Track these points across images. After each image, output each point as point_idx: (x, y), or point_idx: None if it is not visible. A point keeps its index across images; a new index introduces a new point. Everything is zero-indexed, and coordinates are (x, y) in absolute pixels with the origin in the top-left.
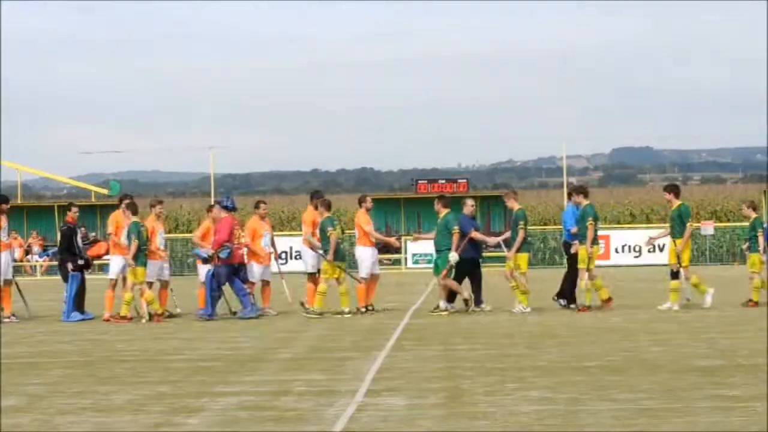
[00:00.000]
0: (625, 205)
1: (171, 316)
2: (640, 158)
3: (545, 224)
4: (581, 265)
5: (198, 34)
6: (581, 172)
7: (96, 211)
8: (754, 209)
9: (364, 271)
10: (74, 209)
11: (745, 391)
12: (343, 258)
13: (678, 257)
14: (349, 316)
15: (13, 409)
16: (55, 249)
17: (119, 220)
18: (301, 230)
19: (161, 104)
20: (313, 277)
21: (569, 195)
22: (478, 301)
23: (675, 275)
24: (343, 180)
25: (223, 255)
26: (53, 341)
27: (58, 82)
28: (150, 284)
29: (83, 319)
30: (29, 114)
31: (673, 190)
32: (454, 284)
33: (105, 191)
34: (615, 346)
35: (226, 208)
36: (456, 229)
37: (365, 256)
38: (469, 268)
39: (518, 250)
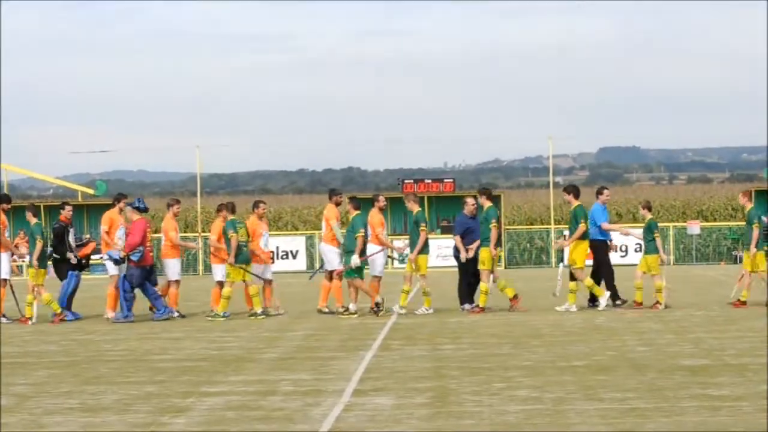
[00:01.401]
0: (611, 205)
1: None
2: (626, 158)
3: (531, 224)
4: (482, 267)
5: (183, 32)
6: (567, 171)
7: (83, 211)
8: (649, 210)
9: (377, 269)
10: (68, 208)
11: (732, 390)
12: (246, 260)
13: (572, 257)
14: (262, 317)
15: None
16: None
17: (114, 219)
18: (289, 230)
19: (148, 104)
20: (332, 275)
21: (597, 193)
22: (465, 301)
23: (573, 277)
24: (330, 180)
25: (134, 257)
26: (39, 341)
27: (44, 81)
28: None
29: (74, 319)
30: (15, 113)
31: (573, 191)
32: (361, 285)
33: (91, 191)
34: (601, 345)
35: (138, 209)
36: (361, 232)
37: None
38: (473, 267)
39: (419, 252)
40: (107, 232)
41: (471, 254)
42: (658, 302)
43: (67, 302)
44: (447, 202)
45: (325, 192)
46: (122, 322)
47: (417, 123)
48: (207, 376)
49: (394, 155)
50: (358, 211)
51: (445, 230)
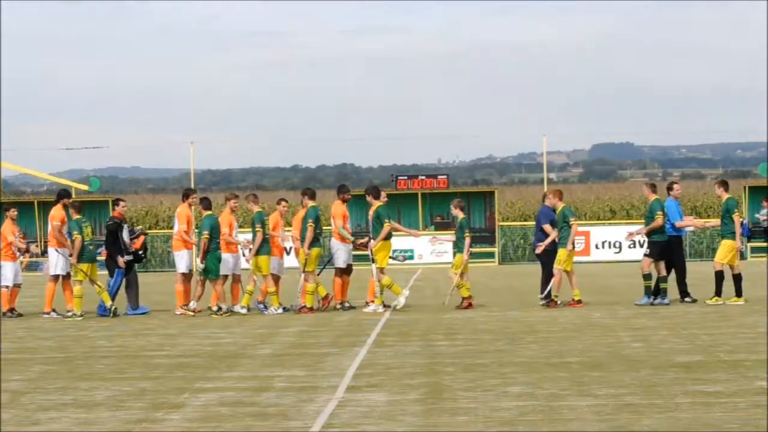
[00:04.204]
0: (605, 201)
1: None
2: (620, 154)
3: (525, 220)
4: (308, 268)
5: (177, 30)
6: (561, 168)
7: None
8: (462, 210)
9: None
10: (122, 204)
11: (726, 386)
12: (91, 260)
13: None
14: (80, 318)
15: None
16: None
17: (189, 216)
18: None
19: (141, 101)
20: (342, 271)
21: (668, 189)
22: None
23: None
24: (324, 176)
25: None
26: (34, 337)
27: (37, 78)
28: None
29: (142, 313)
30: (7, 110)
31: (372, 192)
32: (198, 288)
33: (85, 187)
34: (595, 341)
35: None
36: (206, 233)
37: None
38: (544, 259)
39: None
40: (186, 231)
41: (539, 250)
42: (465, 299)
43: (113, 298)
44: (441, 199)
45: (320, 188)
46: None
47: (411, 119)
48: (201, 373)
49: (387, 152)
50: (209, 212)
51: (439, 226)
